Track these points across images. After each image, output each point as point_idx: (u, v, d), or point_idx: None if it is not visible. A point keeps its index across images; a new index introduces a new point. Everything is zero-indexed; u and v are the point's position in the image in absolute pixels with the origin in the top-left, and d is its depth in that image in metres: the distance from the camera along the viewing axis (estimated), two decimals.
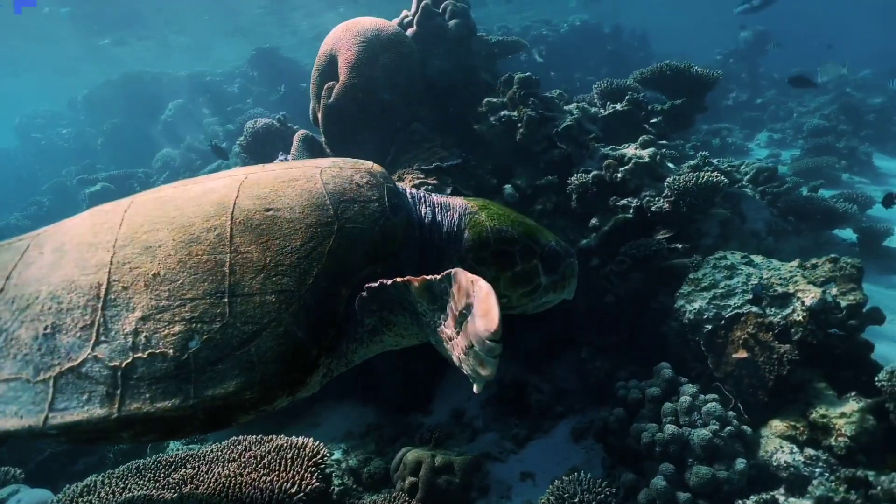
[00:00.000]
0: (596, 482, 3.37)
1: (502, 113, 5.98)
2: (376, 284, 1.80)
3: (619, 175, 5.35)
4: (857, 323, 3.65)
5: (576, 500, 3.25)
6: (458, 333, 1.61)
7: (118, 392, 1.63)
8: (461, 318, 1.58)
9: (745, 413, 3.78)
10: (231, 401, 1.67)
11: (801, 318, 3.69)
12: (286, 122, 5.92)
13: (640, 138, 5.63)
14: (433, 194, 2.38)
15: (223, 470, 3.23)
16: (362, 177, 2.13)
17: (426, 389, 5.66)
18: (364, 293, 1.83)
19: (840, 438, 3.33)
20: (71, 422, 1.62)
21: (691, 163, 5.35)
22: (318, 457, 3.24)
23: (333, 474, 4.62)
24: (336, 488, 4.63)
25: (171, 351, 1.66)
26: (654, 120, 6.77)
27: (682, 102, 6.57)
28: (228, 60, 21.12)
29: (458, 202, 2.34)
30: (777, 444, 3.55)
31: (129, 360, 1.65)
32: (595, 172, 5.46)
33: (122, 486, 3.17)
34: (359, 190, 2.07)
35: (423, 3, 5.03)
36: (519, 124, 5.86)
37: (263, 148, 5.55)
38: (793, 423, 3.57)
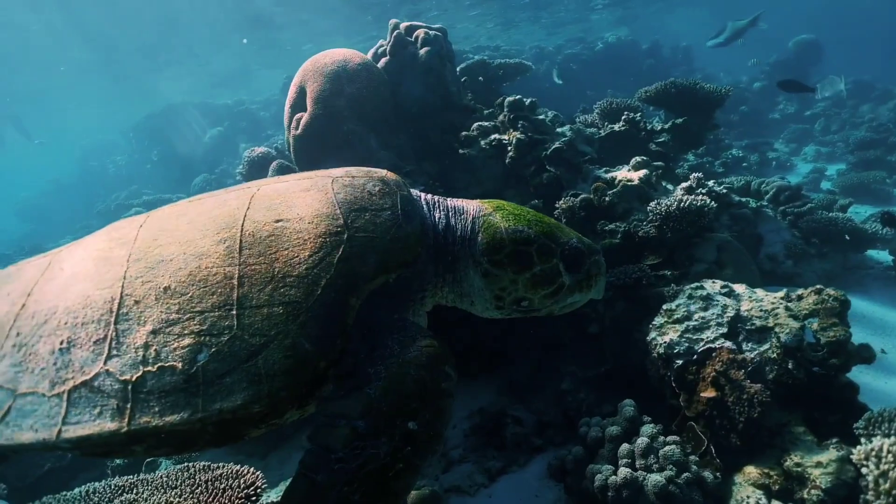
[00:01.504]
0: None
1: (492, 137, 5.91)
2: None
3: (608, 199, 5.15)
4: (840, 362, 3.32)
5: None
6: None
7: (128, 406, 1.64)
8: None
9: (718, 456, 3.49)
10: (239, 414, 1.65)
11: (775, 355, 3.39)
12: (282, 151, 6.06)
13: (633, 160, 5.42)
14: (448, 199, 2.32)
15: (161, 497, 3.25)
16: (375, 185, 2.09)
17: None
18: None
19: (813, 491, 3.02)
20: (83, 435, 1.64)
21: (684, 185, 5.09)
22: (251, 488, 3.20)
23: None
24: None
25: (180, 364, 1.65)
26: (661, 139, 6.53)
27: (687, 120, 6.30)
28: (266, 89, 22.11)
29: (472, 205, 2.29)
30: (749, 492, 3.26)
31: (139, 374, 1.66)
32: (583, 196, 5.28)
33: None
34: (371, 198, 2.03)
35: (395, 33, 5.07)
36: (509, 148, 5.78)
37: (260, 174, 5.72)
38: (766, 471, 3.27)
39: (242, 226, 1.89)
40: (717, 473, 3.44)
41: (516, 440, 4.70)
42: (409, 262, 2.02)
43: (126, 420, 1.63)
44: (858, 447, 2.48)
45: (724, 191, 5.04)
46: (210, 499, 3.18)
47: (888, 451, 2.12)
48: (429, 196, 2.31)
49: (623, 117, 5.98)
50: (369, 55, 5.24)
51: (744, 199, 7.18)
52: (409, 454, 1.60)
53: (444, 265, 2.20)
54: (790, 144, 14.43)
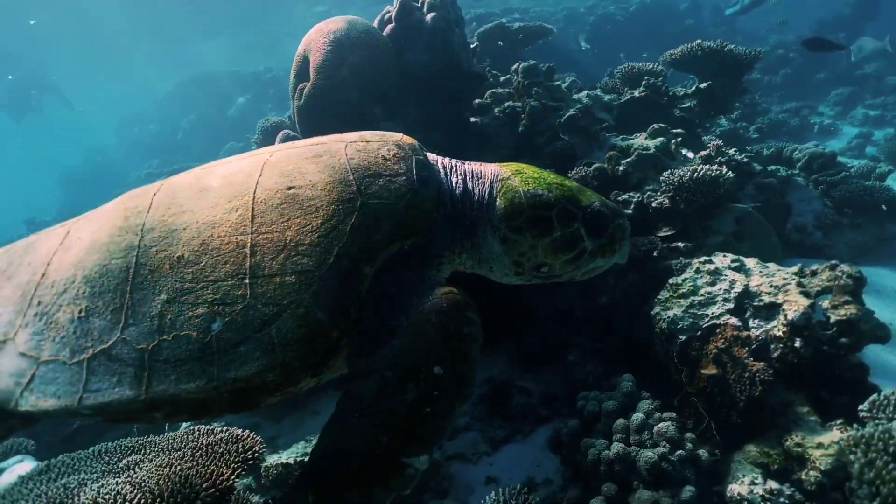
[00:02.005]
0: (526, 499, 3.19)
1: (506, 104, 5.77)
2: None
3: (622, 168, 4.99)
4: (850, 341, 3.17)
5: None
6: None
7: (146, 374, 1.69)
8: None
9: (719, 434, 3.43)
10: (253, 383, 1.67)
11: (781, 333, 3.27)
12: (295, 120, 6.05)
13: (651, 127, 5.21)
14: (466, 163, 2.28)
15: (163, 459, 3.39)
16: (389, 150, 2.05)
17: None
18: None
19: (812, 472, 2.93)
20: (103, 402, 1.71)
21: (703, 153, 4.86)
22: (249, 452, 3.30)
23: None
24: None
25: (194, 333, 1.68)
26: (685, 105, 6.26)
27: (713, 85, 5.99)
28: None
29: (490, 169, 2.24)
30: (747, 470, 3.19)
31: (155, 343, 1.69)
32: (597, 165, 5.13)
33: (76, 467, 3.42)
34: (385, 164, 1.99)
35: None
36: (522, 115, 5.64)
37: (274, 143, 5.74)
38: (766, 450, 3.19)
39: (254, 193, 1.88)
40: (716, 451, 3.38)
41: (522, 410, 4.71)
42: (425, 229, 2.00)
43: (144, 388, 1.68)
44: (848, 433, 2.37)
45: (746, 160, 4.80)
46: (208, 462, 3.29)
47: (878, 440, 2.02)
48: (445, 160, 2.25)
49: (643, 82, 5.72)
50: (375, 22, 5.12)
51: (773, 168, 6.86)
52: (437, 399, 1.61)
53: (462, 231, 2.16)
54: (836, 107, 13.61)
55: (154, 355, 1.69)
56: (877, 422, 2.74)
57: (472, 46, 5.36)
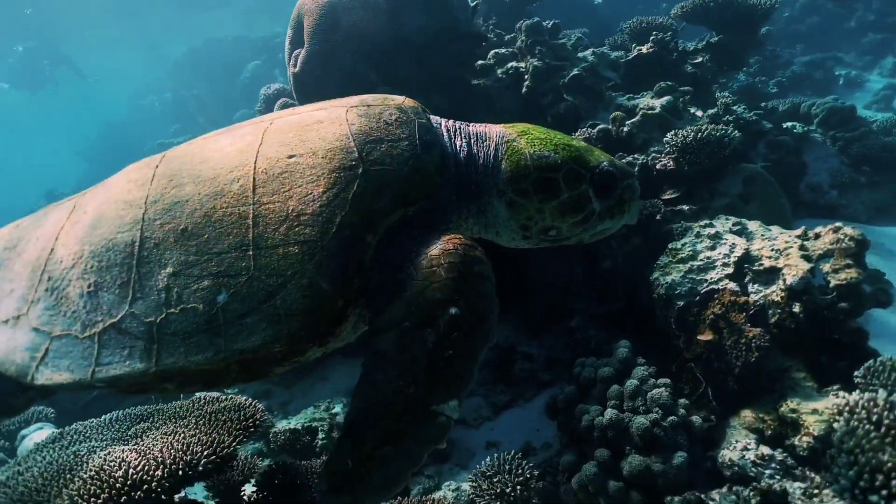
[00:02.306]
0: (520, 464, 3.25)
1: (509, 65, 5.62)
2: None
3: (626, 129, 4.85)
4: (850, 306, 3.10)
5: (495, 481, 3.16)
6: None
7: (155, 347, 1.71)
8: None
9: (717, 399, 3.42)
10: (260, 354, 1.68)
11: (779, 298, 3.20)
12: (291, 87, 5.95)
13: (657, 85, 5.04)
14: (470, 125, 2.22)
15: (169, 427, 3.50)
16: (391, 114, 2.00)
17: None
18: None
19: (805, 438, 2.92)
20: (114, 375, 1.74)
21: (711, 112, 4.70)
22: (250, 420, 3.40)
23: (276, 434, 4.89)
24: (320, 442, 4.90)
25: (200, 306, 1.69)
26: (697, 60, 6.03)
27: (724, 39, 5.75)
28: None
29: (495, 130, 2.18)
30: (742, 436, 3.19)
31: (163, 316, 1.71)
32: (601, 126, 5.00)
33: (88, 435, 3.56)
34: (387, 128, 1.95)
35: None
36: (525, 76, 5.49)
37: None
38: (762, 416, 3.18)
39: (255, 163, 1.86)
40: (712, 417, 3.38)
41: (524, 376, 4.76)
42: (429, 195, 1.96)
43: (154, 361, 1.70)
44: (834, 400, 2.35)
45: (754, 117, 4.62)
46: (211, 429, 3.40)
47: (862, 408, 1.99)
48: (450, 122, 2.19)
49: (651, 38, 5.50)
50: None
51: (789, 124, 6.62)
52: (457, 341, 1.59)
53: (468, 195, 2.11)
54: (865, 57, 12.96)
55: (162, 328, 1.71)
56: (871, 388, 2.70)
57: (472, 4, 5.19)
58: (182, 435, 3.32)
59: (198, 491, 4.71)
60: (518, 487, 3.13)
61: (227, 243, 1.73)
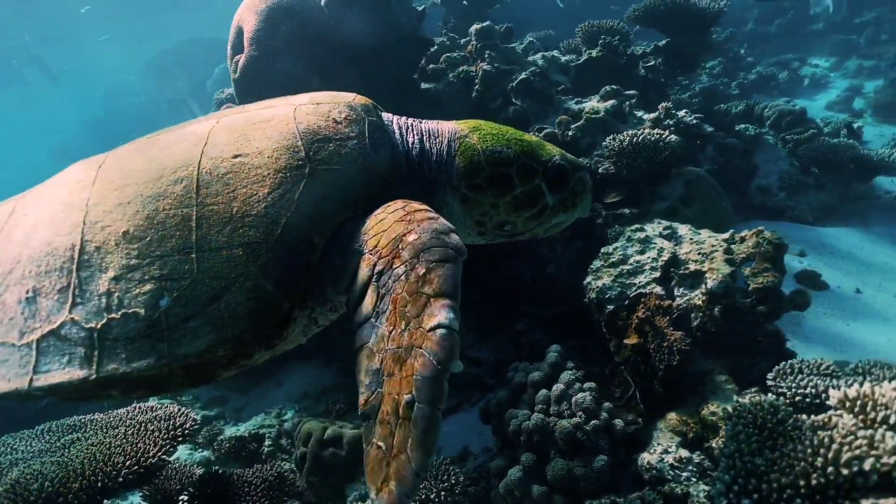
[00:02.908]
0: (448, 470, 3.26)
1: (460, 68, 5.64)
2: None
3: (571, 132, 4.89)
4: (767, 309, 3.15)
5: (420, 487, 3.17)
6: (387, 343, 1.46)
7: (96, 353, 1.66)
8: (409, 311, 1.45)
9: (643, 403, 3.46)
10: (205, 358, 1.65)
11: (700, 301, 3.25)
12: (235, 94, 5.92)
13: (603, 89, 5.08)
14: (423, 122, 2.20)
15: (99, 437, 3.47)
16: (340, 112, 1.96)
17: None
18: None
19: (720, 440, 2.96)
20: (53, 384, 1.68)
21: (653, 115, 4.74)
22: (178, 429, 3.38)
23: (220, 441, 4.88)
24: (266, 449, 4.89)
25: (142, 310, 1.65)
26: (651, 63, 6.09)
27: (673, 42, 5.81)
28: None
29: (447, 127, 2.16)
30: (666, 439, 3.23)
31: (103, 321, 1.67)
32: (547, 130, 5.03)
33: (15, 447, 3.51)
34: (336, 127, 1.91)
35: None
36: (476, 80, 5.51)
37: None
38: (685, 418, 3.22)
39: (200, 163, 1.81)
40: (639, 419, 3.41)
41: (469, 380, 4.77)
42: (379, 194, 1.91)
43: (94, 367, 1.66)
44: (721, 406, 2.38)
45: (695, 121, 4.67)
46: (137, 440, 3.38)
47: (748, 412, 2.02)
48: (402, 119, 2.16)
49: (600, 42, 5.54)
50: None
51: (742, 126, 6.71)
52: (431, 265, 1.50)
53: (421, 193, 2.06)
54: (831, 58, 13.18)
55: (103, 334, 1.67)
56: (779, 390, 2.75)
57: (420, 9, 5.20)
58: (106, 445, 3.30)
59: (134, 501, 4.68)
60: (443, 493, 3.14)
61: (170, 246, 1.70)
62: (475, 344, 5.39)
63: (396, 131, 2.09)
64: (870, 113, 9.75)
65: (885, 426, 1.78)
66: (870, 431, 1.76)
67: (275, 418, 5.33)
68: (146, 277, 1.67)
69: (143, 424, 3.56)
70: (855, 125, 8.11)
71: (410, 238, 1.57)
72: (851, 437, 1.77)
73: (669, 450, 3.07)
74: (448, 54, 5.70)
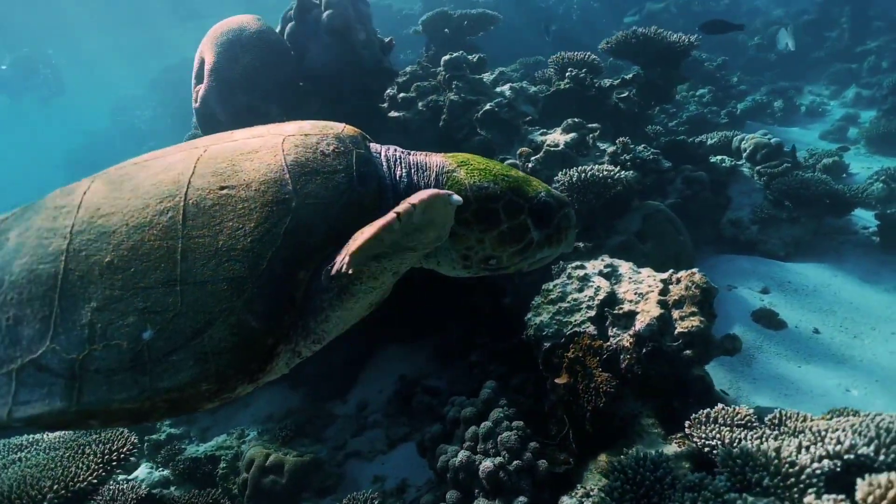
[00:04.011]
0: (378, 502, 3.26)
1: (429, 98, 5.72)
2: (371, 237, 1.66)
3: (531, 165, 4.92)
4: (693, 354, 3.12)
5: None
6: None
7: (76, 385, 1.64)
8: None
9: (575, 443, 3.44)
10: (187, 392, 1.65)
11: (628, 343, 3.24)
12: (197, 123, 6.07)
13: (565, 122, 5.12)
14: (411, 154, 2.22)
15: (41, 457, 3.53)
16: (328, 144, 1.96)
17: (344, 379, 5.74)
18: (355, 253, 1.68)
19: (599, 493, 2.93)
20: (33, 415, 1.66)
21: (611, 149, 4.76)
22: (115, 454, 3.43)
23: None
24: (220, 471, 4.91)
25: (125, 342, 1.64)
26: (624, 94, 6.13)
27: (642, 74, 5.85)
28: None
29: (435, 160, 2.18)
30: (595, 481, 3.20)
31: (85, 353, 1.65)
32: (510, 161, 5.06)
33: None
34: (324, 159, 1.92)
35: None
36: (444, 109, 5.58)
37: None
38: (613, 461, 3.19)
39: (186, 193, 1.81)
40: (570, 459, 3.39)
41: (422, 409, 4.77)
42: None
43: (75, 399, 1.64)
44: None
45: (652, 156, 4.68)
46: (71, 463, 3.44)
47: (627, 468, 2.02)
48: (390, 151, 2.17)
49: (567, 74, 5.60)
50: (281, 18, 5.09)
51: (718, 158, 6.70)
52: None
53: None
54: (831, 86, 13.10)
55: (85, 365, 1.65)
56: (691, 440, 2.73)
57: (387, 40, 5.30)
58: (40, 468, 3.35)
59: None
60: None
61: (155, 278, 1.69)
62: (435, 373, 5.40)
63: (384, 163, 2.10)
64: (863, 143, 9.65)
65: None
66: None
67: (236, 440, 5.36)
68: (129, 309, 1.66)
69: (82, 447, 3.61)
70: (840, 157, 8.08)
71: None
72: None
73: (591, 493, 3.04)
74: (418, 83, 5.78)
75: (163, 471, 5.19)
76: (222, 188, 1.80)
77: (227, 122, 4.27)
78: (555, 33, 9.06)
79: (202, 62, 4.49)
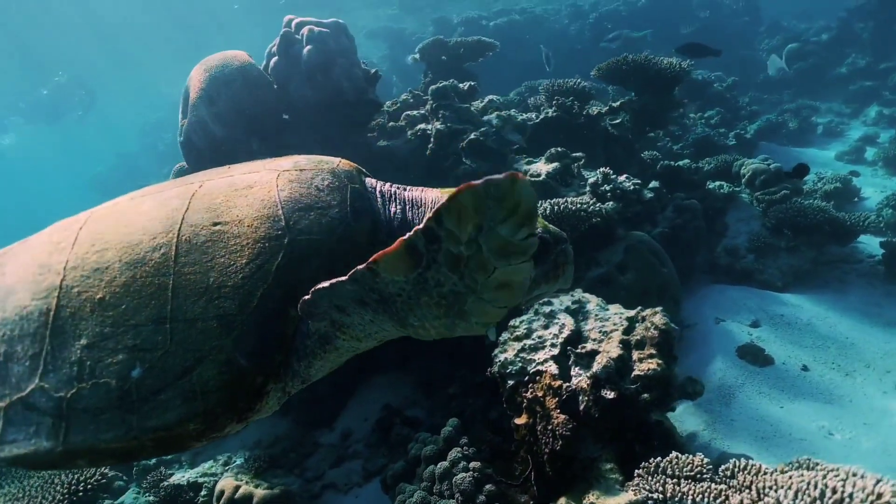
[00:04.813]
0: None
1: (418, 127, 5.76)
2: (326, 285, 1.63)
3: None
4: (651, 398, 3.03)
5: None
6: (461, 272, 1.48)
7: (63, 424, 1.62)
8: (470, 247, 1.43)
9: (539, 484, 3.36)
10: (175, 431, 1.62)
11: (586, 384, 3.16)
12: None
13: (548, 151, 5.09)
14: (407, 189, 2.22)
15: (14, 488, 3.61)
16: (323, 179, 1.96)
17: (333, 405, 5.74)
18: (308, 296, 1.66)
19: None
20: (19, 454, 1.64)
21: (592, 179, 4.71)
22: (80, 484, 3.49)
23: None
24: (201, 499, 4.93)
25: (113, 381, 1.62)
26: (617, 120, 6.08)
27: (633, 101, 5.80)
28: None
29: (430, 196, 2.18)
30: None
31: (73, 391, 1.63)
32: None
33: None
34: (318, 195, 1.91)
35: (283, 31, 4.96)
36: (431, 138, 5.62)
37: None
38: None
39: (179, 230, 1.79)
40: (531, 502, 3.32)
41: (400, 440, 4.73)
42: (358, 263, 1.84)
43: (61, 439, 1.62)
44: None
45: (633, 187, 4.59)
46: (38, 494, 3.51)
47: None
48: (385, 187, 2.18)
49: (554, 101, 5.58)
50: (266, 53, 5.21)
51: (717, 184, 6.56)
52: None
53: None
54: (851, 104, 12.75)
55: (72, 403, 1.62)
56: (640, 490, 2.65)
57: (372, 72, 5.36)
58: (9, 497, 3.43)
59: None
60: None
61: (145, 315, 1.67)
62: (419, 402, 5.36)
63: (379, 199, 2.10)
64: (880, 165, 9.34)
65: None
66: None
67: (222, 466, 5.39)
68: (119, 347, 1.64)
69: (52, 476, 3.69)
70: (851, 180, 7.82)
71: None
72: None
73: None
74: (408, 112, 5.83)
75: (148, 496, 5.25)
76: (215, 224, 1.79)
77: (209, 156, 4.38)
78: (557, 63, 9.05)
79: (186, 97, 4.63)
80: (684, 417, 3.93)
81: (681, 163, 7.31)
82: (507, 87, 11.26)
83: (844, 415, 3.88)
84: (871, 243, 6.18)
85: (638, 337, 3.25)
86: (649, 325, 3.17)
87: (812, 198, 6.16)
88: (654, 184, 5.98)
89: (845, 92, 13.24)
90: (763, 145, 10.59)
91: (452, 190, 2.21)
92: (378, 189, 2.12)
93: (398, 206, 2.09)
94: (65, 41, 20.68)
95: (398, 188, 2.18)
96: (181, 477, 5.30)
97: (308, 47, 4.81)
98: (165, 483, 5.12)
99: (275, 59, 5.04)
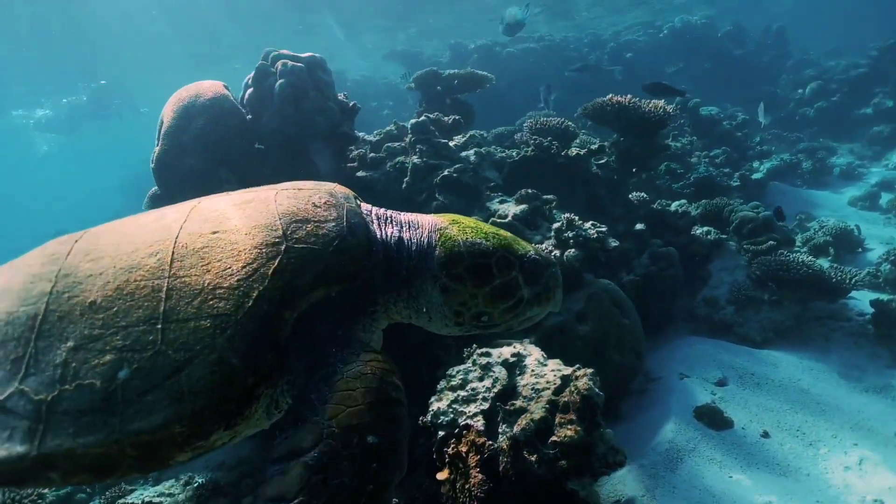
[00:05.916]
0: None
1: (397, 159, 5.79)
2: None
3: None
4: (568, 465, 2.94)
5: None
6: None
7: (40, 427, 1.56)
8: None
9: None
10: (159, 436, 1.55)
11: (506, 445, 3.08)
12: None
13: (518, 193, 5.04)
14: (401, 213, 2.31)
15: None
16: (321, 197, 2.05)
17: None
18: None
19: None
20: None
21: (556, 225, 4.64)
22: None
23: None
24: None
25: (98, 382, 1.57)
26: (603, 161, 6.02)
27: (604, 143, 5.73)
28: None
29: (427, 220, 2.28)
30: None
31: (55, 393, 1.58)
32: None
33: None
34: (315, 210, 1.96)
35: (259, 64, 5.06)
36: (408, 172, 5.64)
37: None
38: None
39: (177, 238, 1.82)
40: None
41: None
42: (353, 276, 1.95)
43: (36, 443, 1.54)
44: None
45: (597, 235, 4.50)
46: None
47: None
48: (381, 210, 2.26)
49: (532, 141, 5.54)
50: (244, 83, 5.31)
51: (704, 229, 6.41)
52: (378, 471, 1.47)
53: (398, 280, 2.14)
54: (874, 147, 12.35)
55: (52, 406, 1.57)
56: None
57: (350, 105, 5.41)
58: None
59: None
60: None
61: (136, 316, 1.65)
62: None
63: (374, 221, 2.16)
64: (894, 213, 9.00)
65: None
66: None
67: (182, 486, 5.42)
68: (107, 348, 1.61)
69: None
70: (853, 231, 7.54)
71: (370, 439, 1.50)
72: None
73: None
74: (388, 144, 5.87)
75: None
76: (214, 232, 1.83)
77: (177, 181, 4.48)
78: (570, 92, 9.01)
79: (161, 124, 4.76)
80: (627, 480, 3.79)
81: (675, 203, 7.18)
82: (516, 116, 11.26)
83: (798, 489, 3.69)
84: (864, 299, 5.93)
85: (565, 399, 3.16)
86: (573, 388, 3.08)
87: (800, 251, 5.95)
88: (639, 226, 5.89)
89: (868, 133, 12.85)
90: (774, 185, 10.31)
91: (446, 214, 2.31)
92: (374, 213, 2.19)
93: (394, 228, 2.16)
94: (107, 45, 21.60)
95: (394, 213, 2.26)
96: (139, 495, 5.35)
97: (280, 81, 4.90)
98: (122, 501, 5.17)
99: (250, 90, 5.14)
